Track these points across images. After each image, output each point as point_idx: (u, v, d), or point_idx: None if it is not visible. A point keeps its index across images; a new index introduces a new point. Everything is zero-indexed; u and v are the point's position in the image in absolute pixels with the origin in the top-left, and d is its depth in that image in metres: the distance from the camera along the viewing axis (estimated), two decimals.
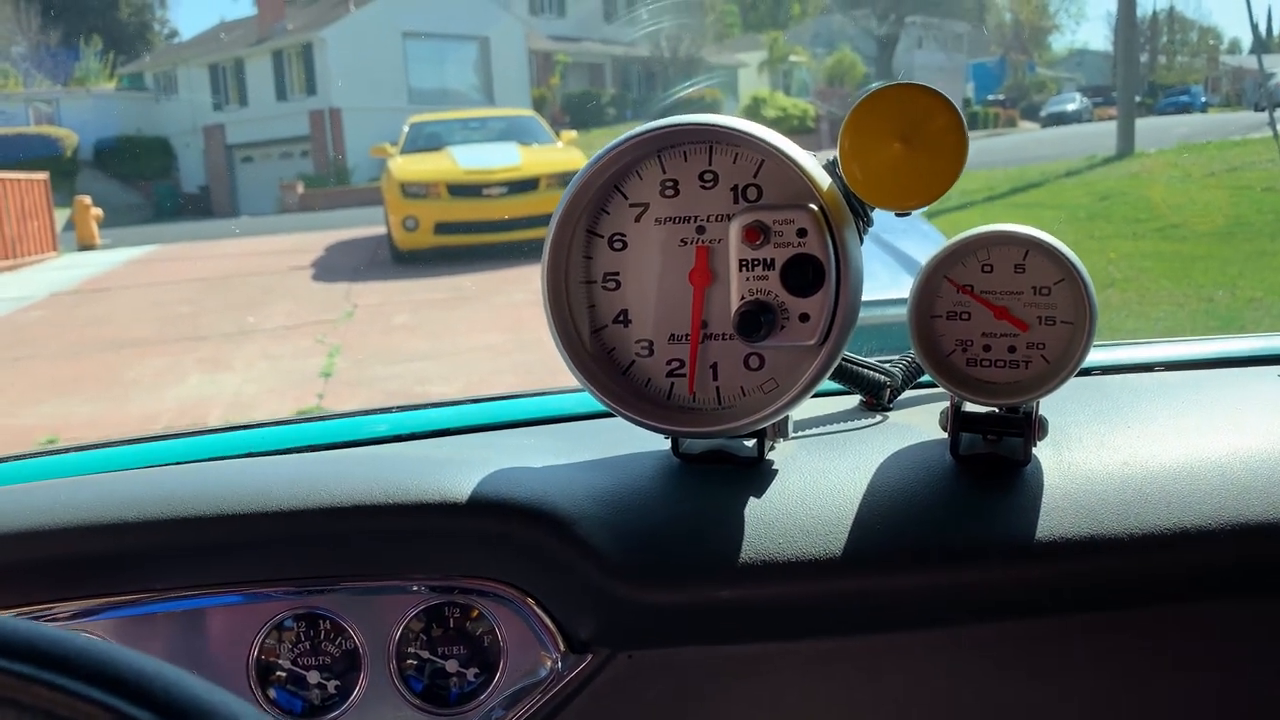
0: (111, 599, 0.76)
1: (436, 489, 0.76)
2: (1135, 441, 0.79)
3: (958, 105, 0.67)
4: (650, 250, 0.76)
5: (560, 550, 0.72)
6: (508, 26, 24.71)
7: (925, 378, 0.90)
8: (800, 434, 0.85)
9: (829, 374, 0.74)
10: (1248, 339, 1.08)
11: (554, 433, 0.93)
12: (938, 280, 0.76)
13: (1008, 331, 0.75)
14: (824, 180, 0.71)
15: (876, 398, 0.90)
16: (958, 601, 0.71)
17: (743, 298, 0.72)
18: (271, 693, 0.76)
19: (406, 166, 9.63)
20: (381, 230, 9.84)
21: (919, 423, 0.86)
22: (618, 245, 0.77)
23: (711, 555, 0.71)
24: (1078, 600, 0.71)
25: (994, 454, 0.77)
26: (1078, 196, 10.28)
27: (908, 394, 0.93)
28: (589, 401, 0.79)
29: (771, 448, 0.80)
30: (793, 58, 27.68)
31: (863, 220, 0.75)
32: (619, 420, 0.77)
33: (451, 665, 0.76)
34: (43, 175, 12.50)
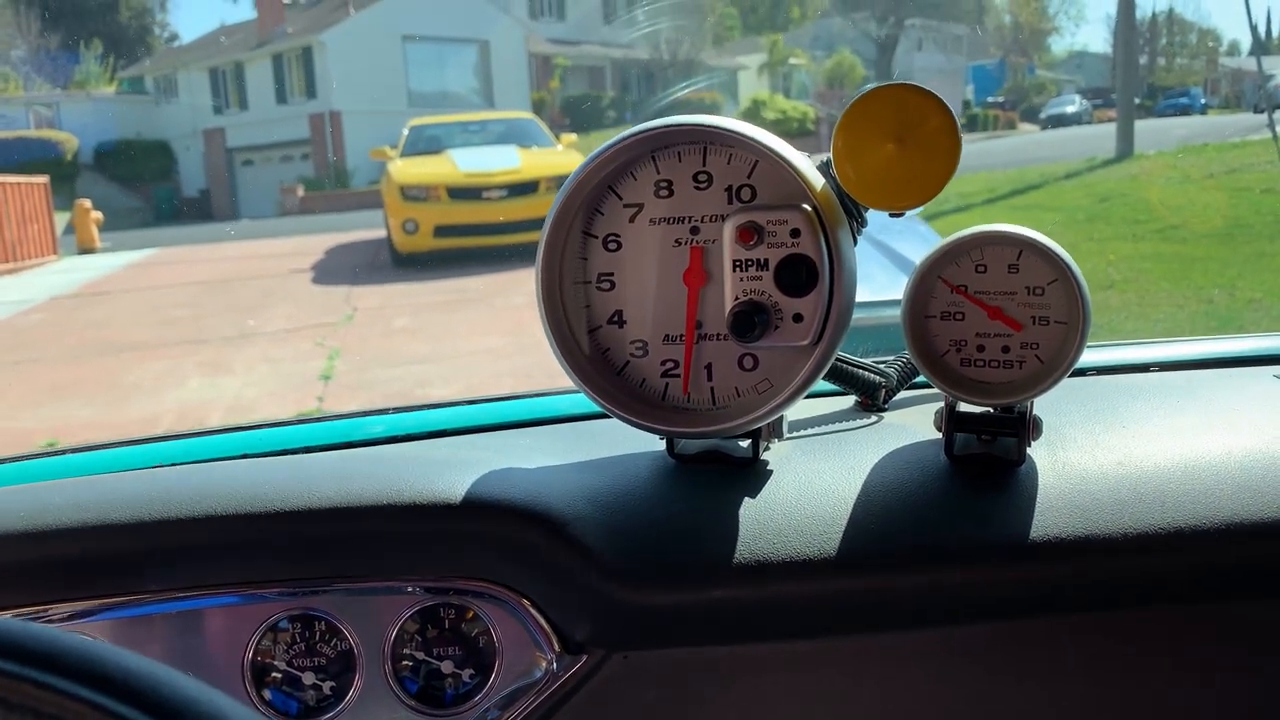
0: (107, 600, 0.76)
1: (432, 490, 0.76)
2: (1130, 442, 0.79)
3: (957, 107, 0.67)
4: (645, 251, 0.76)
5: (555, 551, 0.73)
6: (507, 29, 24.72)
7: (920, 378, 0.90)
8: (795, 434, 0.85)
9: (823, 374, 0.74)
10: (1243, 339, 1.08)
11: (550, 433, 0.93)
12: (932, 280, 0.76)
13: (1002, 331, 0.75)
14: (818, 181, 0.72)
15: (872, 398, 0.90)
16: (953, 601, 0.71)
17: (737, 298, 0.73)
18: (267, 694, 0.76)
19: (406, 169, 9.63)
20: (381, 233, 9.83)
21: (914, 423, 0.86)
22: (612, 246, 0.77)
23: (706, 556, 0.71)
24: (1072, 600, 0.71)
25: (988, 454, 0.77)
26: (1077, 198, 10.28)
27: (903, 394, 0.93)
28: (585, 402, 0.79)
29: (766, 448, 0.80)
30: (792, 60, 27.69)
31: (857, 221, 0.75)
32: (614, 421, 0.78)
33: (447, 666, 0.76)
34: (43, 179, 12.50)
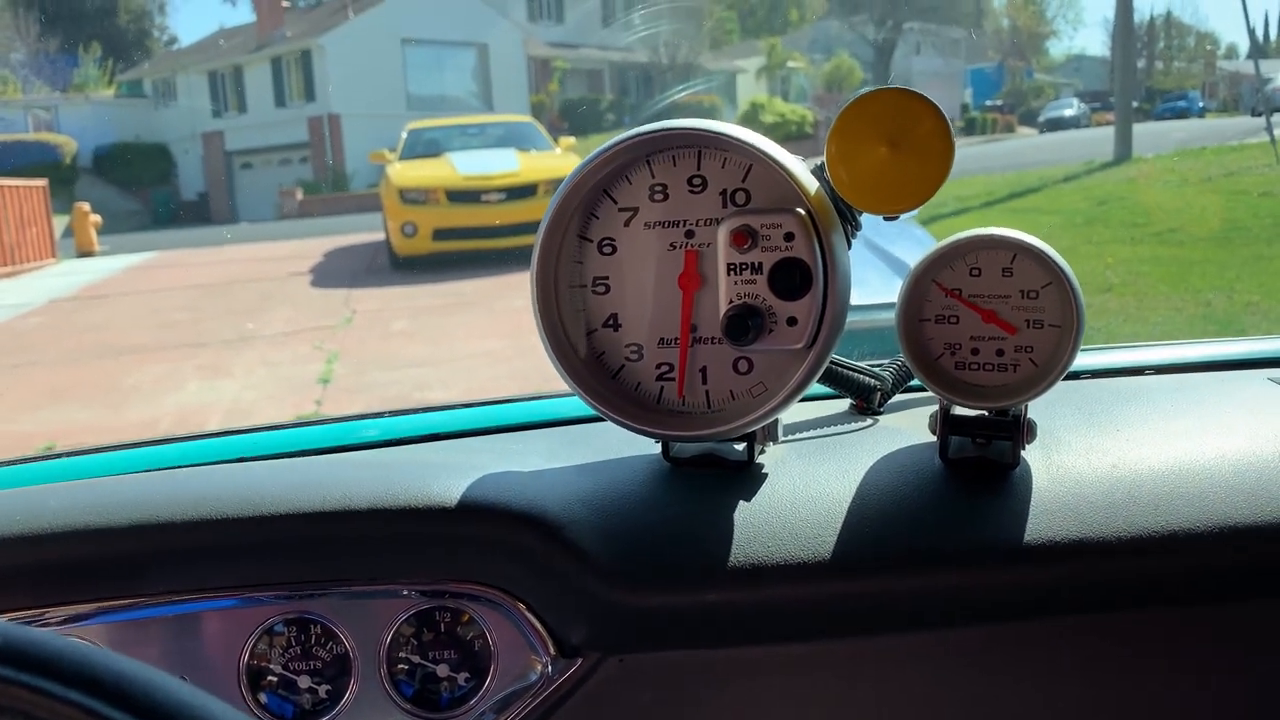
0: (104, 603, 0.76)
1: (427, 494, 0.76)
2: (1124, 445, 0.79)
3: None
4: (639, 254, 0.76)
5: (550, 555, 0.73)
6: (506, 33, 24.74)
7: (915, 381, 0.90)
8: (790, 438, 0.85)
9: (818, 377, 0.74)
10: (1237, 342, 1.08)
11: (545, 436, 0.93)
12: (926, 284, 0.76)
13: (996, 335, 0.75)
14: (811, 184, 0.72)
15: (867, 401, 0.90)
16: (947, 604, 0.71)
17: (731, 301, 0.73)
18: (262, 697, 0.76)
19: (405, 172, 9.64)
20: (380, 236, 9.84)
21: (909, 426, 0.86)
22: (607, 250, 0.77)
23: (701, 559, 0.71)
24: (1066, 603, 0.71)
25: (983, 457, 0.77)
26: (1075, 201, 10.29)
27: (898, 397, 0.93)
28: (580, 405, 0.79)
29: (761, 451, 0.80)
30: (790, 63, 27.70)
31: (851, 224, 0.75)
32: (610, 424, 0.78)
33: (442, 670, 0.76)
34: (41, 182, 12.49)
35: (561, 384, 0.79)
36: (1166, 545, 0.70)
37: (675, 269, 0.75)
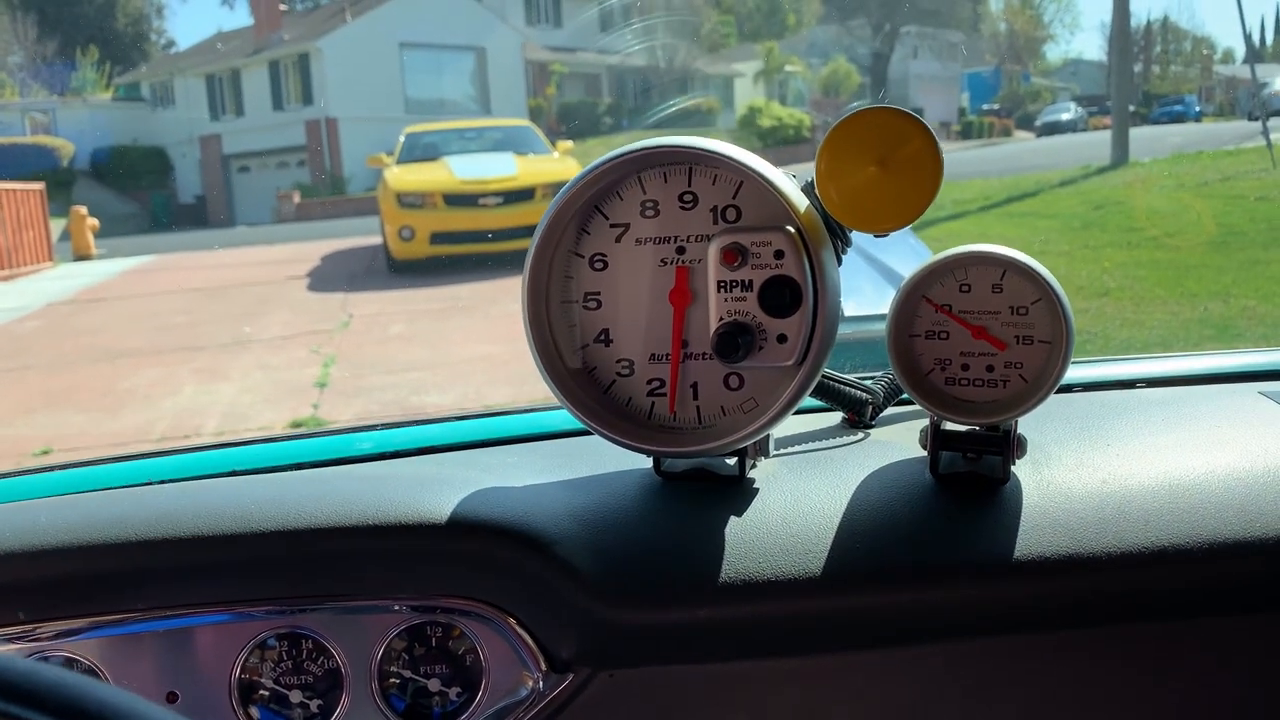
0: (95, 619, 0.76)
1: (418, 509, 0.76)
2: (1114, 460, 0.79)
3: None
4: (631, 270, 0.76)
5: (541, 570, 0.73)
6: (504, 37, 24.76)
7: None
8: (781, 452, 0.85)
9: (808, 393, 0.74)
10: (1229, 355, 1.08)
11: (537, 450, 0.93)
12: (916, 299, 0.76)
13: (986, 351, 0.75)
14: (801, 202, 0.72)
15: (858, 415, 0.90)
16: (937, 619, 0.71)
17: (721, 319, 0.73)
18: (254, 712, 0.76)
19: (402, 176, 9.64)
20: (377, 240, 9.84)
21: (900, 440, 0.86)
22: (598, 265, 0.77)
23: (692, 575, 0.71)
24: (1056, 618, 0.71)
25: (973, 472, 0.78)
26: (1073, 205, 10.30)
27: (890, 410, 0.93)
28: (573, 419, 0.79)
29: (753, 466, 0.80)
30: (788, 68, 27.74)
31: (841, 241, 0.75)
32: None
33: (434, 684, 0.76)
34: (38, 185, 12.51)
35: (554, 397, 0.79)
36: (1156, 560, 0.71)
37: (666, 285, 0.75)
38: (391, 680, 0.76)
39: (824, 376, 0.84)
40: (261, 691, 0.76)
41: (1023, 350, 0.75)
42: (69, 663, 0.77)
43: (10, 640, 0.76)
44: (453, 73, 24.61)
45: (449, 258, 9.01)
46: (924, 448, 0.79)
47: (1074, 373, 0.75)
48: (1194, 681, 0.75)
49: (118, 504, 0.82)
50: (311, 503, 0.77)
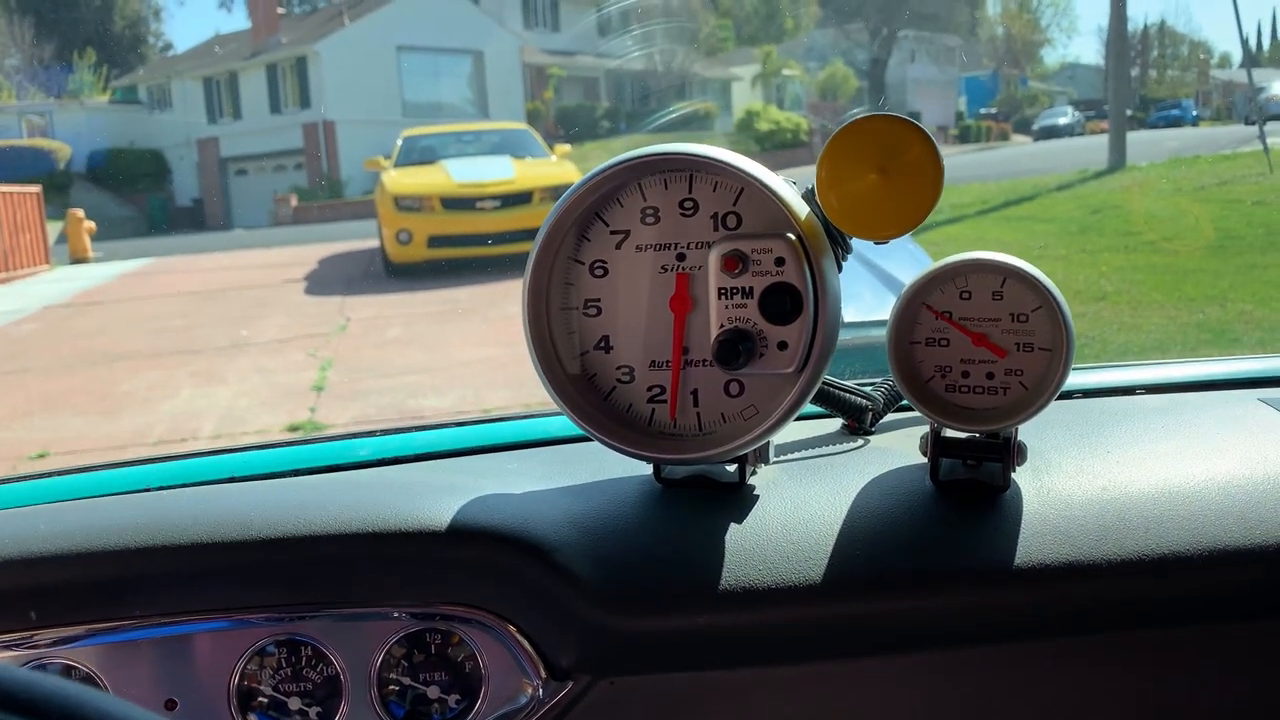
0: (93, 626, 0.76)
1: (418, 516, 0.76)
2: (1114, 467, 0.79)
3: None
4: (631, 277, 0.76)
5: (541, 577, 0.73)
6: (502, 40, 24.78)
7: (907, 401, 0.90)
8: (782, 459, 0.85)
9: (808, 400, 0.74)
10: (1229, 362, 1.08)
11: (537, 456, 0.93)
12: (916, 306, 0.76)
13: (986, 358, 0.75)
14: (802, 209, 0.72)
15: (858, 421, 0.90)
16: (937, 627, 0.71)
17: (721, 326, 0.73)
18: (253, 718, 0.76)
19: (400, 180, 9.64)
20: (375, 243, 9.84)
21: (900, 446, 0.86)
22: (599, 272, 0.77)
23: (692, 582, 0.71)
24: (1056, 625, 0.71)
25: (973, 479, 0.78)
26: (1070, 210, 10.32)
27: (890, 417, 0.93)
28: (572, 425, 0.79)
29: (753, 473, 0.80)
30: (786, 71, 27.77)
31: (841, 248, 0.76)
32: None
33: (433, 691, 0.76)
34: (35, 188, 12.49)
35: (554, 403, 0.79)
36: (1156, 568, 0.71)
37: (667, 292, 0.75)
38: (391, 687, 0.76)
39: (824, 383, 0.84)
40: (260, 699, 0.76)
41: (1023, 357, 0.75)
42: (67, 670, 0.76)
43: (8, 648, 0.76)
44: (450, 76, 24.62)
45: (446, 261, 9.00)
46: (924, 454, 0.79)
47: (1073, 379, 0.75)
48: (1194, 689, 0.75)
49: (116, 510, 0.82)
50: (310, 509, 0.77)
